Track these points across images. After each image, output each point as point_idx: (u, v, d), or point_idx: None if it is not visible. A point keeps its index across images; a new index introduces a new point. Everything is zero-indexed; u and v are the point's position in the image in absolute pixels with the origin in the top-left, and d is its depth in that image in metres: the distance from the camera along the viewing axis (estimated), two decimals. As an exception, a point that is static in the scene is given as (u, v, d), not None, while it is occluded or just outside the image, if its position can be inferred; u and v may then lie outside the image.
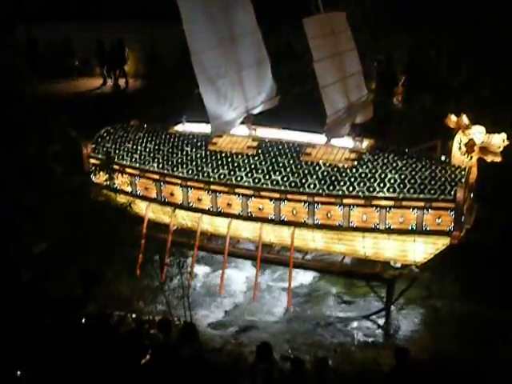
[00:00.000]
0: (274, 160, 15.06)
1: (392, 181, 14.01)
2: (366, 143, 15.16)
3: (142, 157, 16.10)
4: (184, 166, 15.58)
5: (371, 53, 24.35)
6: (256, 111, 16.24)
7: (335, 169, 14.54)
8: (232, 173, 15.10)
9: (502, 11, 24.35)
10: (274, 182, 14.71)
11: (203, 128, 16.24)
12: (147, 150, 16.20)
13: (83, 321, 10.72)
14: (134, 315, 12.91)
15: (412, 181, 13.89)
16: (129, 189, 16.14)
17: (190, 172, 15.43)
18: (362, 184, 14.15)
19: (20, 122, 15.84)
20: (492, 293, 15.31)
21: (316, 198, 14.36)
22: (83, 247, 12.91)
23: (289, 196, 14.56)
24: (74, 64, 31.30)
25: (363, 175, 14.27)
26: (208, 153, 15.65)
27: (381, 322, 15.14)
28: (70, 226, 13.12)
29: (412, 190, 13.77)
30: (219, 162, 15.35)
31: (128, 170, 16.08)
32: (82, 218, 13.35)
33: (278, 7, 24.84)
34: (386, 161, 14.44)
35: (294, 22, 16.09)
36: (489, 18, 24.55)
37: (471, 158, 13.84)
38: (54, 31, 31.07)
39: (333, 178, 14.39)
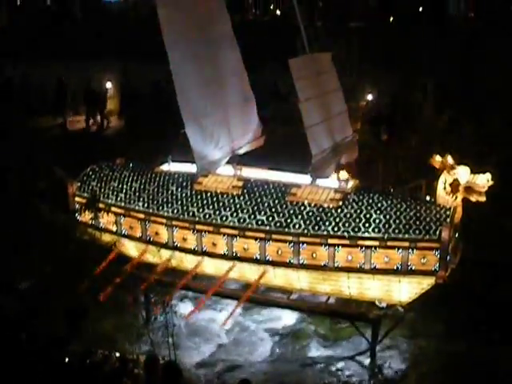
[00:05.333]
0: (259, 200, 15.05)
1: (377, 221, 14.02)
2: (351, 183, 15.20)
3: (128, 196, 16.08)
4: (169, 205, 15.57)
5: (357, 93, 24.57)
6: (242, 151, 16.27)
7: (320, 209, 14.55)
8: (217, 212, 15.09)
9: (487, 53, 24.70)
10: (259, 222, 14.71)
11: (189, 167, 16.26)
12: (133, 188, 16.19)
13: (67, 359, 10.64)
14: (118, 354, 12.84)
15: (397, 221, 13.91)
16: (114, 228, 16.10)
17: (176, 211, 15.42)
18: (347, 224, 14.15)
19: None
20: (477, 332, 15.31)
21: (301, 238, 14.33)
22: (68, 285, 12.86)
23: (274, 236, 14.57)
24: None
25: (348, 215, 14.27)
26: (193, 192, 15.65)
27: (366, 362, 15.05)
28: (55, 264, 13.07)
29: (397, 230, 13.78)
30: (204, 202, 15.34)
31: (113, 209, 16.06)
32: (66, 256, 13.31)
33: (264, 47, 25.09)
34: (370, 201, 14.46)
35: (279, 61, 16.22)
36: (474, 58, 24.89)
37: (456, 197, 13.89)
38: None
39: (318, 218, 14.39)
